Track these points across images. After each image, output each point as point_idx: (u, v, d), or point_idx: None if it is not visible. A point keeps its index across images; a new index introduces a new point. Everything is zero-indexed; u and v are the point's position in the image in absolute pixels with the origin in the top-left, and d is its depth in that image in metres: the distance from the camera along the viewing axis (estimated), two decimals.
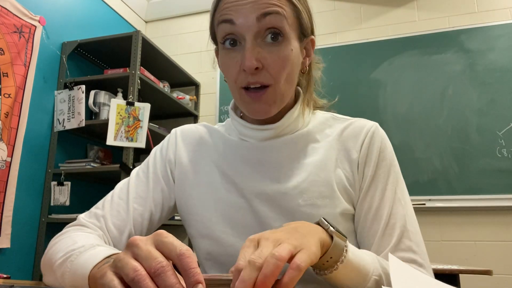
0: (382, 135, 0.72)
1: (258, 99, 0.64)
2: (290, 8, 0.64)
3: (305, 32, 0.69)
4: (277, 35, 0.62)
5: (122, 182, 0.78)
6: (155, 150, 0.81)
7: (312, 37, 0.72)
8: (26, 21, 2.03)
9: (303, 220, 0.54)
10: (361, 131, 0.71)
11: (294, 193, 0.67)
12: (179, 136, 0.80)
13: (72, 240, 0.60)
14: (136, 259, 0.38)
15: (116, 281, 0.38)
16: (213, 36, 0.71)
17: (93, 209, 0.73)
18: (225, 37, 0.64)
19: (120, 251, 0.47)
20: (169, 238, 0.39)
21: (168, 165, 0.77)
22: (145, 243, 0.39)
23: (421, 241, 0.66)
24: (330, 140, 0.72)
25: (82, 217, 0.71)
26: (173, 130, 0.82)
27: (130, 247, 0.39)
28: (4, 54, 1.90)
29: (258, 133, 0.71)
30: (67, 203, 2.10)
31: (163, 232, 0.40)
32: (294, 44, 0.65)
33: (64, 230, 0.68)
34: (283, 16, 0.62)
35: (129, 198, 0.73)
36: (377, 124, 0.74)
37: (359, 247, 0.67)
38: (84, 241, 0.59)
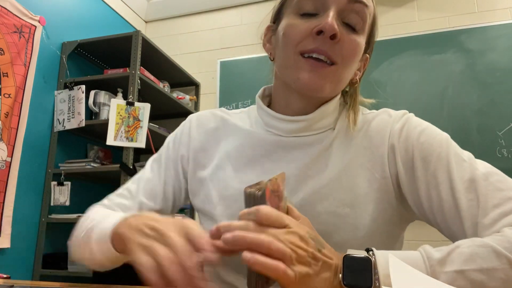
0: (415, 121, 0.65)
1: (317, 69, 0.58)
2: (372, 11, 0.63)
3: (370, 43, 0.67)
4: (357, 24, 0.60)
5: (138, 173, 0.77)
6: (169, 140, 0.78)
7: (368, 56, 0.70)
8: (26, 21, 2.03)
9: (321, 227, 0.51)
10: (387, 125, 0.64)
11: (313, 198, 0.61)
12: (194, 126, 0.75)
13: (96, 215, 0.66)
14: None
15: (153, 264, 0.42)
16: (278, 11, 0.67)
17: (111, 195, 0.75)
18: (303, 4, 0.60)
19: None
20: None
21: (180, 162, 0.74)
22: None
23: None
24: (358, 141, 0.64)
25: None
26: (189, 117, 0.78)
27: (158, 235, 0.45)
28: (4, 54, 1.90)
29: (287, 125, 0.65)
30: (67, 203, 2.10)
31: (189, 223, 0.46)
32: (363, 44, 0.63)
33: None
34: (369, 11, 0.61)
35: (138, 192, 0.73)
36: (405, 111, 0.67)
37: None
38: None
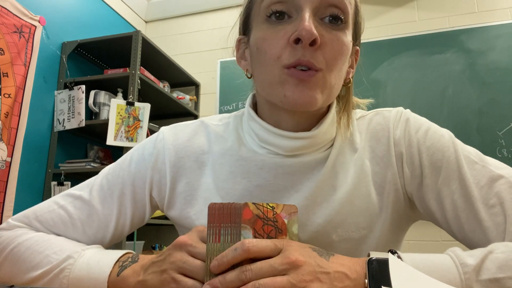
0: (413, 121, 0.59)
1: (305, 81, 0.51)
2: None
3: (357, 35, 0.59)
4: (337, 18, 0.52)
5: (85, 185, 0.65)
6: (132, 162, 0.64)
7: (358, 48, 0.61)
8: (26, 21, 2.03)
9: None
10: (387, 131, 0.59)
11: (327, 229, 0.55)
12: (170, 154, 0.63)
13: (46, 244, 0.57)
14: (196, 257, 0.45)
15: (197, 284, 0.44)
16: (245, 20, 0.60)
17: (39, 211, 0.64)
18: (272, 8, 0.52)
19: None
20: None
21: (147, 189, 0.63)
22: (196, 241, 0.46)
23: None
24: (361, 154, 0.59)
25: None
26: (161, 132, 0.65)
27: (184, 247, 0.46)
28: (4, 54, 1.90)
29: (290, 142, 0.56)
30: None
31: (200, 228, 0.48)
32: (350, 39, 0.55)
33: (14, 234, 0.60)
34: (348, 0, 0.53)
35: (73, 217, 0.61)
36: (398, 109, 0.61)
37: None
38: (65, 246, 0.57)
